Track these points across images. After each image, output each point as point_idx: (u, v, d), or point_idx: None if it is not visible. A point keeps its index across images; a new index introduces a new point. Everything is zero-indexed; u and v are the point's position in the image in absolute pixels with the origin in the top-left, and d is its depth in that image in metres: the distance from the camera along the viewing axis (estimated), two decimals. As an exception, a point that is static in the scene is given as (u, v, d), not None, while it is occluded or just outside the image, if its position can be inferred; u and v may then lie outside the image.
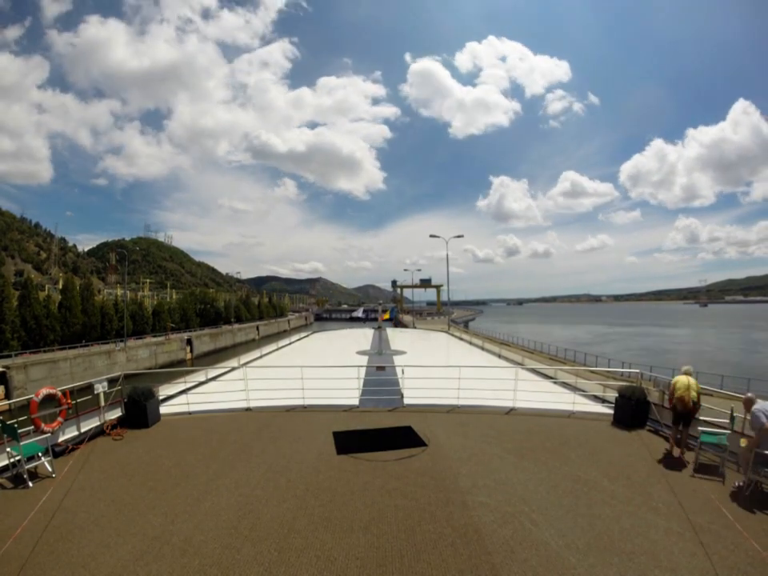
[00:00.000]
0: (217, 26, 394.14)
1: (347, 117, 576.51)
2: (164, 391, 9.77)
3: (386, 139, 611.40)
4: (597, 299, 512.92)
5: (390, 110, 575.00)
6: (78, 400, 7.17)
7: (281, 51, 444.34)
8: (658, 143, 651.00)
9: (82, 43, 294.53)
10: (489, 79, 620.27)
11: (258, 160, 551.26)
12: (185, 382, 10.96)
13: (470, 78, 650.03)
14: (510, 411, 8.43)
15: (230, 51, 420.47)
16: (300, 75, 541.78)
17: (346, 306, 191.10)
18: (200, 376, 12.38)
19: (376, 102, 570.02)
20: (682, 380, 6.27)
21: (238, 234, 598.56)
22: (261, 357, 17.99)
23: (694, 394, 6.12)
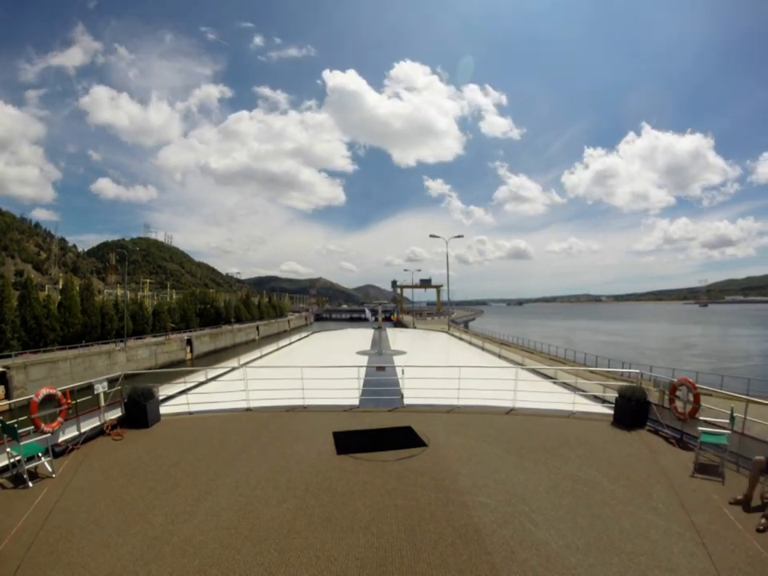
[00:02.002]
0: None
1: (288, 141, 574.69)
2: (164, 391, 9.78)
3: (343, 157, 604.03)
4: (597, 299, 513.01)
5: (331, 134, 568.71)
6: (78, 400, 7.16)
7: (218, 92, 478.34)
8: (594, 151, 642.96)
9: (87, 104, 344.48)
10: (421, 100, 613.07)
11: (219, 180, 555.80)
12: (185, 382, 10.96)
13: (399, 97, 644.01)
14: (510, 411, 8.42)
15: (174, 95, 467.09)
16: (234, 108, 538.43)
17: (346, 306, 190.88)
18: (200, 376, 12.39)
19: (317, 128, 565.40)
20: None
21: (225, 235, 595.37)
22: (261, 357, 18.00)
23: None
